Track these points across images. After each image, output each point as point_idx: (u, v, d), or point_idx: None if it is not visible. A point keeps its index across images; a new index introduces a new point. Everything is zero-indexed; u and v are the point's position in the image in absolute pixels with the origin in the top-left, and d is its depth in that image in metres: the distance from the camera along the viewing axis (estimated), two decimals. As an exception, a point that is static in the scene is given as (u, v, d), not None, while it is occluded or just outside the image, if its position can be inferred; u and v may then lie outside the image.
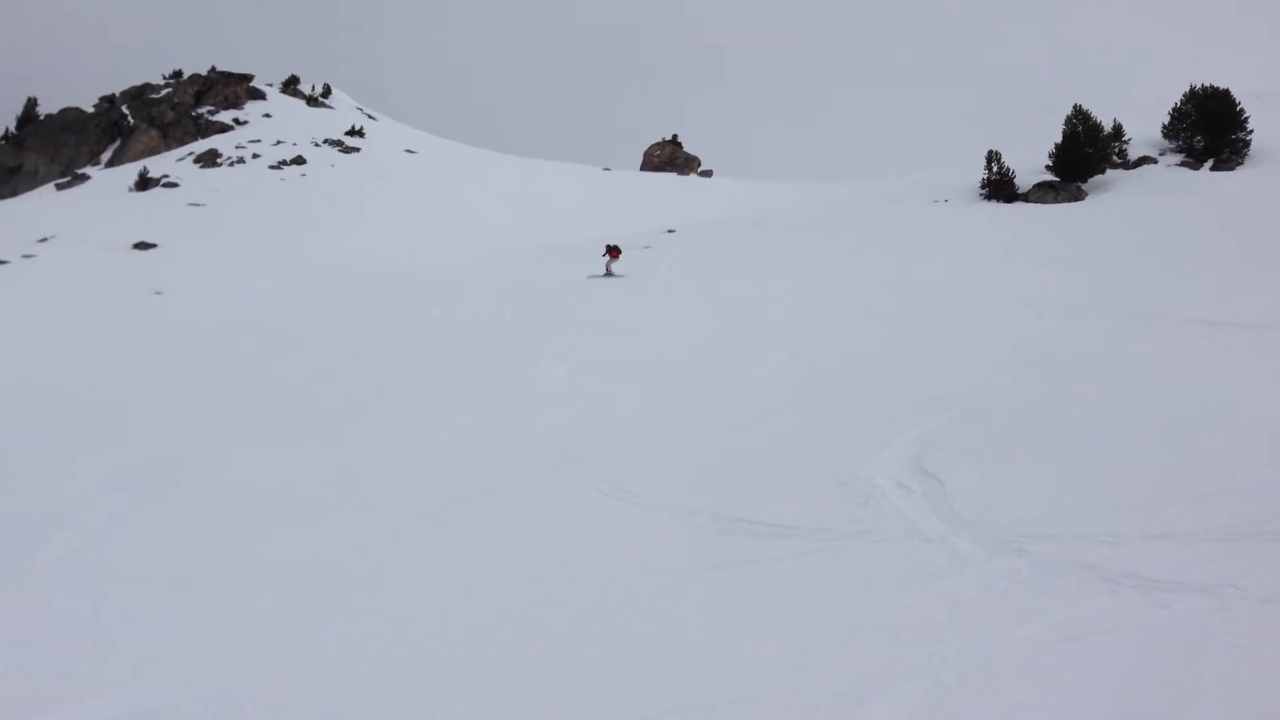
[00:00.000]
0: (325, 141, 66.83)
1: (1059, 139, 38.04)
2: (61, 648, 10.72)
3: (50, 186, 62.25)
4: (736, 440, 15.40)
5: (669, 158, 74.52)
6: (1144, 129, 40.45)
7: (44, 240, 42.64)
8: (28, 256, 40.22)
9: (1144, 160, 38.57)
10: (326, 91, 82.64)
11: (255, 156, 62.20)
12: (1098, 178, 36.96)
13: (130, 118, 71.78)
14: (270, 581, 12.12)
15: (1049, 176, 37.42)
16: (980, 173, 38.38)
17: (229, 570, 12.71)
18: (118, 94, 74.87)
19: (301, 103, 78.86)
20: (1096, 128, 38.24)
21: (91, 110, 72.51)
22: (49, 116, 72.42)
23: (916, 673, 7.57)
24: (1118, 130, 39.59)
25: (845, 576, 10.01)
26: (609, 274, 31.95)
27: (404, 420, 19.43)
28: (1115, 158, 38.86)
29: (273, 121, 71.22)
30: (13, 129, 72.39)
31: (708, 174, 72.91)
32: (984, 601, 8.73)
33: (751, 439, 15.34)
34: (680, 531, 12.14)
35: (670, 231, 39.19)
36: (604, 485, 14.21)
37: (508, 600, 10.77)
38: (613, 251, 32.54)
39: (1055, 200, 35.52)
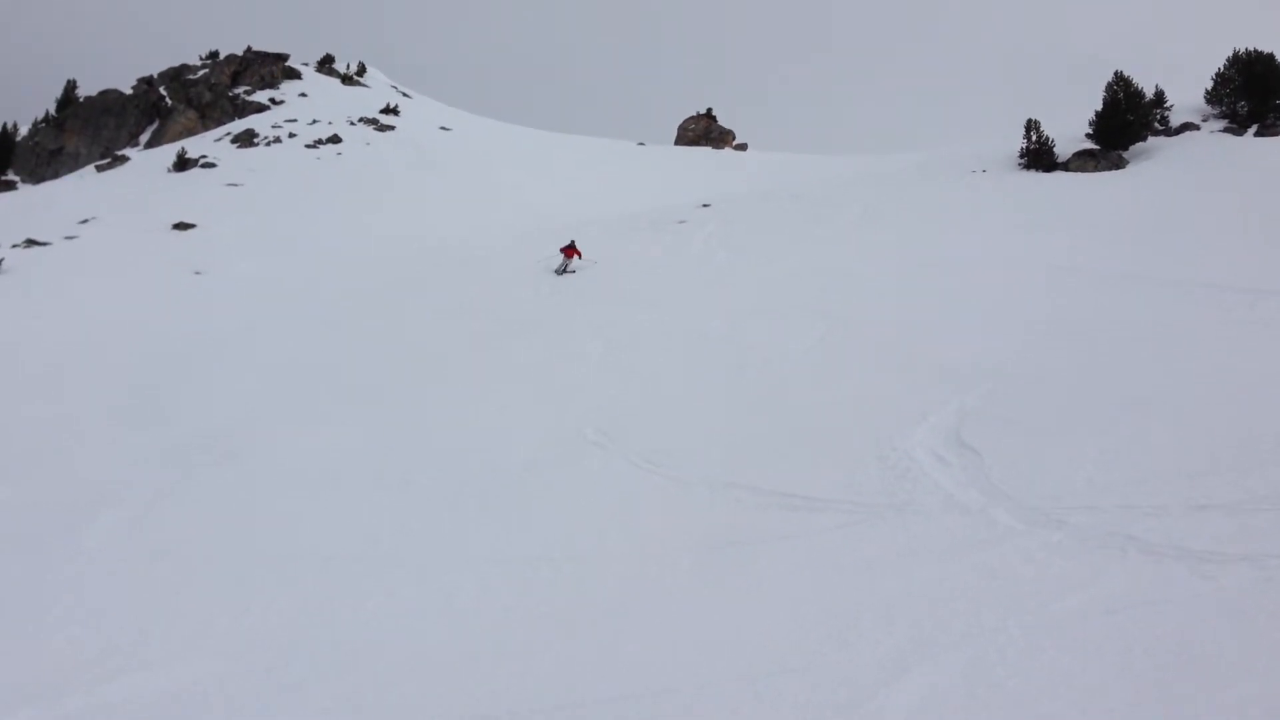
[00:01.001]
0: (360, 120, 67.00)
1: (1099, 107, 37.46)
2: (110, 622, 10.91)
3: (91, 168, 62.84)
4: (773, 414, 15.37)
5: (703, 132, 74.11)
6: (1186, 95, 39.74)
7: (85, 222, 43.09)
8: (70, 238, 40.67)
9: (1186, 127, 37.88)
10: (361, 70, 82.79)
11: (291, 136, 62.47)
12: (1139, 145, 36.34)
13: (168, 99, 72.27)
14: (312, 557, 12.26)
15: (1089, 145, 36.84)
16: (1019, 142, 37.85)
17: (272, 547, 12.86)
18: (155, 75, 75.40)
19: (336, 81, 79.06)
20: (1138, 94, 37.57)
21: (130, 92, 73.06)
22: (88, 99, 73.03)
23: (956, 645, 7.57)
24: (1159, 97, 38.88)
25: (883, 549, 10.00)
26: (566, 270, 30.19)
27: (442, 397, 19.53)
28: (1157, 124, 38.18)
29: (308, 101, 71.46)
30: (53, 112, 73.09)
31: (742, 148, 72.45)
32: (1024, 574, 8.70)
33: (788, 413, 15.30)
34: (718, 506, 12.15)
35: (705, 205, 38.97)
36: (641, 460, 14.25)
37: (547, 574, 10.84)
38: (569, 251, 30.53)
39: (1096, 169, 34.97)
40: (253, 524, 13.84)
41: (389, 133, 65.36)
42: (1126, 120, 36.79)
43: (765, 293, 23.71)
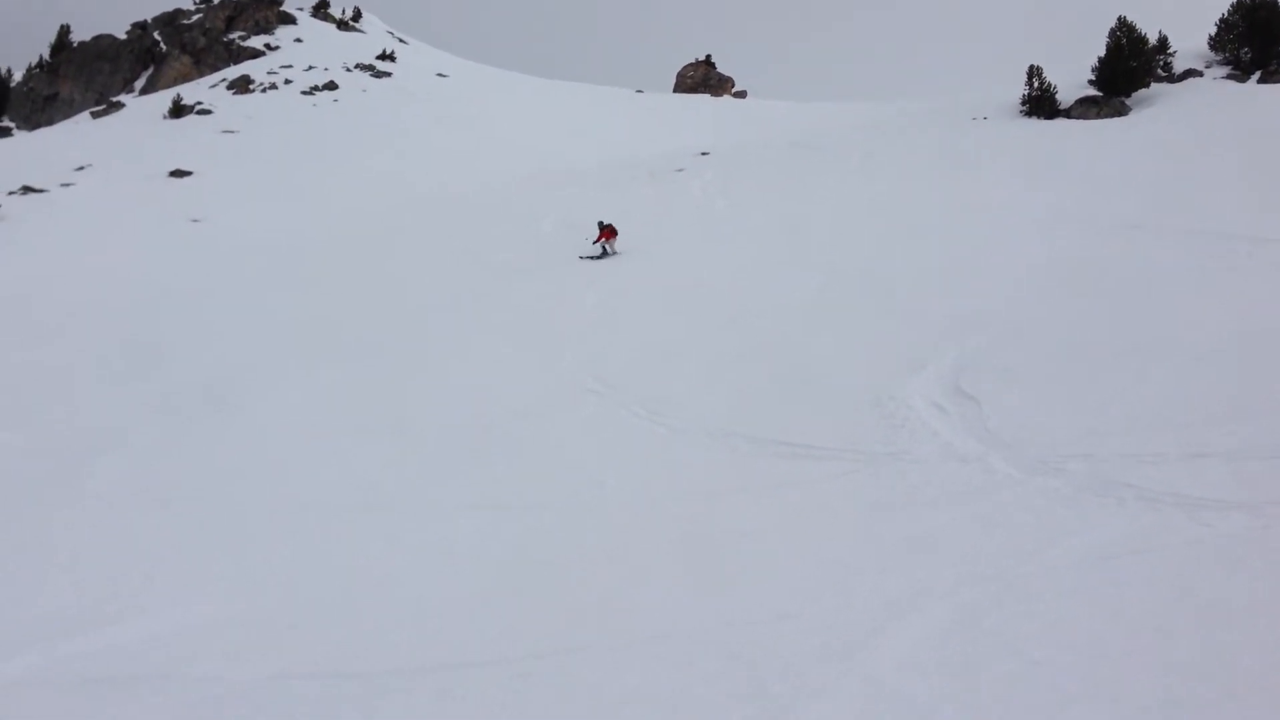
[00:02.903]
0: (357, 66, 66.40)
1: (1102, 53, 37.13)
2: (112, 567, 10.95)
3: (85, 115, 62.34)
4: (772, 364, 15.36)
5: (702, 79, 73.51)
6: (1190, 41, 39.42)
7: (81, 169, 42.85)
8: (66, 185, 40.47)
9: (1190, 73, 37.60)
10: (357, 15, 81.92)
11: (287, 82, 61.95)
12: (1142, 92, 36.05)
13: (162, 44, 71.57)
14: (312, 503, 12.29)
15: (1092, 91, 36.55)
16: (1021, 89, 37.55)
17: (271, 493, 12.90)
18: (149, 20, 74.61)
19: (332, 27, 78.24)
20: (1141, 40, 37.23)
21: (124, 37, 72.35)
22: (82, 44, 72.34)
23: (951, 592, 7.61)
24: (1163, 42, 38.55)
25: (880, 498, 10.04)
26: (605, 254, 25.92)
27: (438, 346, 19.50)
28: (1160, 71, 37.88)
29: (304, 46, 70.77)
30: (47, 57, 72.39)
31: (742, 95, 71.91)
32: (1020, 521, 8.73)
33: (787, 362, 15.29)
34: (716, 454, 12.18)
35: (704, 154, 38.76)
36: (640, 409, 14.26)
37: (548, 520, 10.88)
38: (606, 232, 26.19)
39: (1098, 115, 34.72)
40: (251, 470, 13.87)
41: (385, 79, 64.83)
42: (1129, 67, 36.47)
43: (764, 241, 23.63)
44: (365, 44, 73.45)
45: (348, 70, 65.67)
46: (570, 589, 9.05)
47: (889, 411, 12.37)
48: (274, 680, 8.09)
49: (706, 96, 69.96)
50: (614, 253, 25.96)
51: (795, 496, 10.45)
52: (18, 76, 72.27)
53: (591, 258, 25.78)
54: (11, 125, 66.50)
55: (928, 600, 7.52)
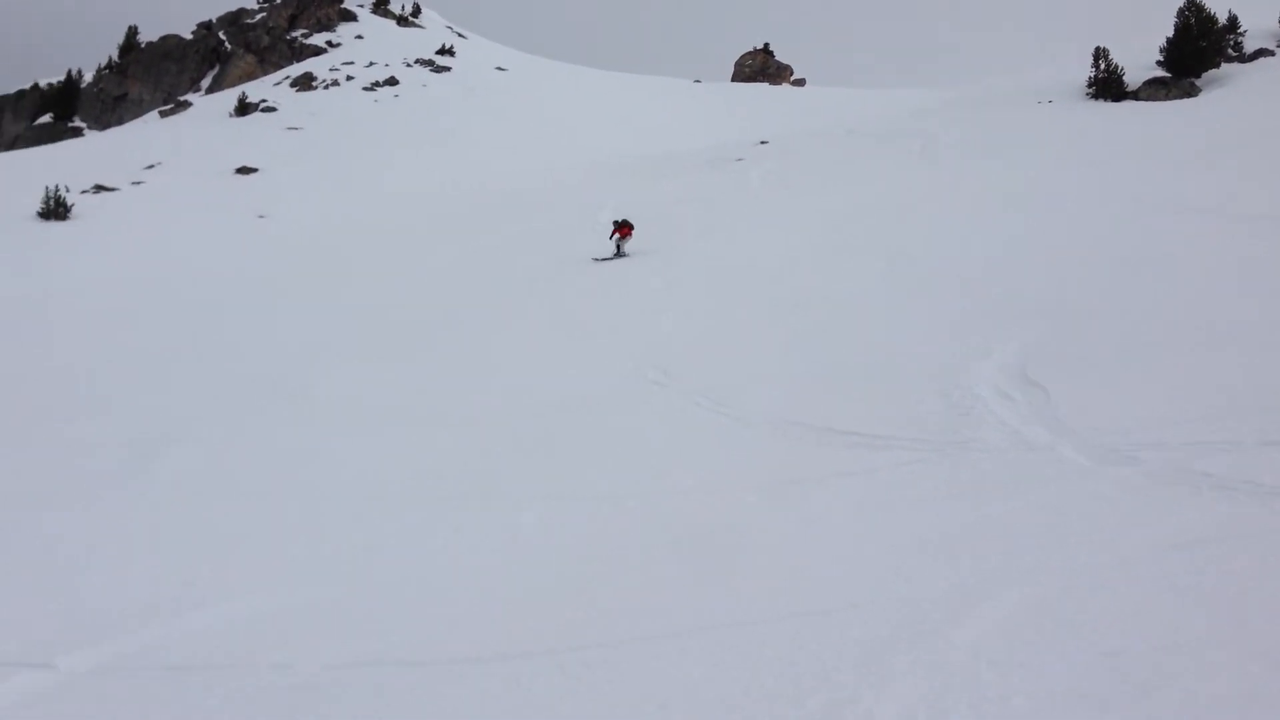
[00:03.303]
0: (416, 61, 66.94)
1: (1170, 33, 36.34)
2: (185, 556, 11.18)
3: (154, 114, 63.57)
4: (834, 351, 15.27)
5: (760, 67, 73.14)
6: (1261, 20, 38.48)
7: (151, 167, 43.72)
8: (136, 183, 41.32)
9: (1261, 53, 36.74)
10: (416, 10, 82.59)
11: (349, 79, 62.65)
12: (1212, 72, 35.30)
13: (227, 43, 72.72)
14: (378, 494, 12.45)
15: (1160, 73, 35.82)
16: (1087, 71, 36.89)
17: (339, 483, 13.08)
18: (214, 20, 75.82)
19: (392, 23, 78.97)
20: (1210, 19, 36.40)
21: (190, 37, 73.62)
22: (149, 44, 73.78)
23: (1020, 581, 7.51)
24: (1233, 22, 37.68)
25: (946, 486, 9.93)
26: (620, 254, 25.59)
27: (500, 336, 19.65)
28: (1230, 50, 37.04)
29: (365, 43, 71.54)
30: (116, 58, 73.85)
31: (800, 83, 71.46)
32: (1091, 510, 8.60)
33: (849, 350, 15.19)
34: (778, 443, 12.13)
35: (763, 143, 38.58)
36: (701, 398, 14.25)
37: (609, 511, 10.91)
38: (623, 229, 25.85)
39: (1167, 97, 34.06)
40: (320, 460, 14.08)
41: (445, 74, 65.29)
42: (1199, 47, 35.73)
43: (825, 229, 23.47)
44: (425, 39, 74.04)
45: (408, 66, 66.26)
46: (635, 580, 9.07)
47: (954, 399, 12.24)
48: (344, 668, 8.22)
49: (765, 85, 69.66)
50: (627, 254, 25.10)
51: (860, 485, 10.38)
52: (88, 78, 73.79)
53: (605, 259, 25.13)
54: (83, 125, 68.01)
55: (997, 589, 7.43)
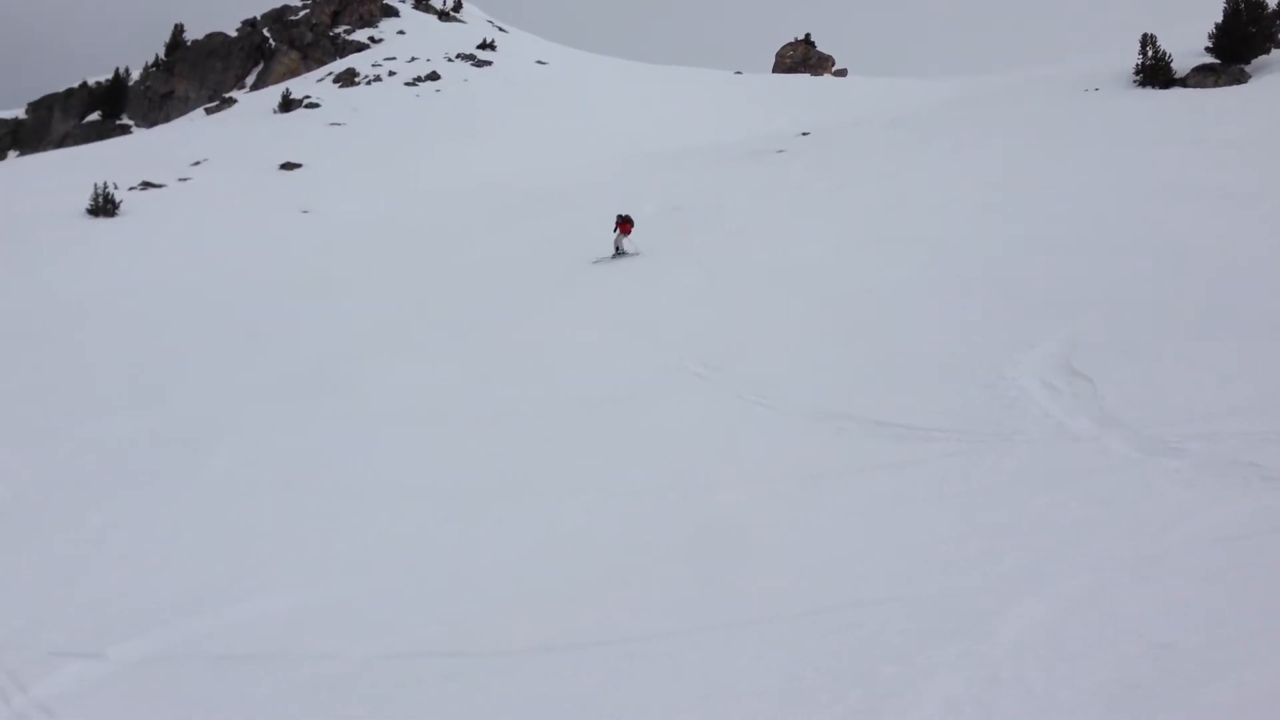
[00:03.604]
0: (458, 56, 67.23)
1: (1219, 19, 35.73)
2: (232, 548, 11.33)
3: (200, 111, 64.35)
4: (876, 343, 15.17)
5: (801, 58, 72.77)
6: (1315, 4, 37.74)
7: (197, 164, 44.25)
8: (183, 180, 41.85)
9: (1314, 38, 36.02)
10: (458, 5, 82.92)
11: (391, 74, 63.05)
12: (1262, 58, 34.66)
13: (271, 40, 73.41)
14: (421, 486, 12.53)
15: (1209, 59, 35.24)
16: (1134, 58, 36.36)
17: (381, 476, 13.18)
18: (258, 17, 76.55)
19: (433, 18, 79.34)
20: (1259, 4, 35.75)
21: (235, 34, 74.39)
22: (195, 42, 74.68)
23: (1065, 574, 7.43)
24: (1284, 7, 37.00)
25: (990, 478, 9.84)
26: (619, 253, 24.92)
27: (540, 329, 19.70)
28: (1281, 36, 36.38)
29: (406, 38, 71.95)
30: (162, 56, 74.78)
31: (842, 73, 71.02)
32: (1138, 502, 8.49)
33: (892, 342, 15.09)
34: (821, 435, 12.07)
35: (804, 134, 38.39)
36: (743, 391, 14.21)
37: (650, 504, 10.91)
38: (623, 225, 25.06)
39: (1216, 84, 33.48)
40: (363, 454, 14.19)
41: (486, 68, 65.50)
42: (1248, 33, 35.09)
43: (867, 221, 23.32)
44: (466, 34, 74.32)
45: (449, 60, 66.55)
46: (677, 572, 9.07)
47: (998, 391, 12.11)
48: (388, 659, 8.29)
49: (806, 76, 69.26)
50: (630, 251, 24.28)
51: (903, 478, 10.31)
52: (135, 76, 74.77)
53: (604, 259, 24.33)
54: (130, 123, 68.97)
55: (1042, 582, 7.36)
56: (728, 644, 7.51)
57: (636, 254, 24.37)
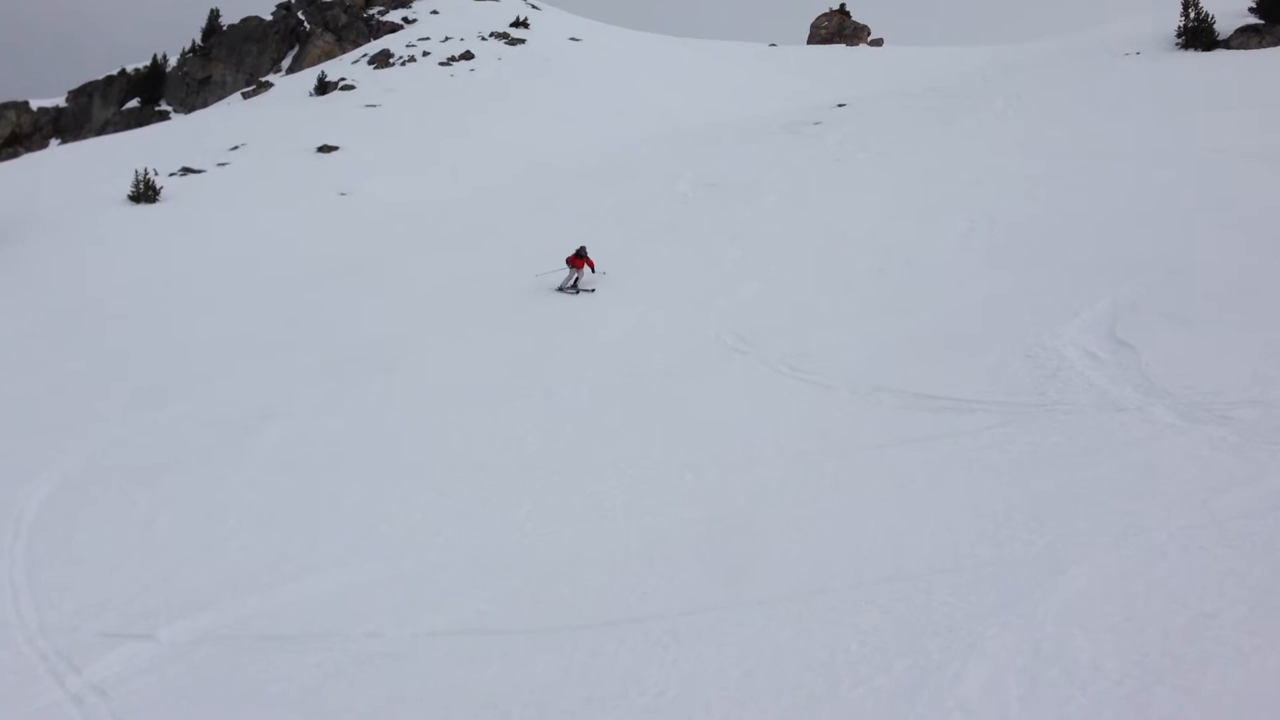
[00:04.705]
0: (491, 35, 67.04)
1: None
2: (279, 530, 11.49)
3: (237, 95, 64.71)
4: (917, 315, 15.07)
5: (837, 28, 71.97)
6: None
7: (235, 148, 44.48)
8: (222, 165, 42.09)
9: (1363, -5, 35.17)
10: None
11: (425, 54, 63.00)
12: (1309, 18, 33.91)
13: (306, 23, 73.62)
14: (464, 466, 12.63)
15: (1253, 20, 34.52)
16: (1175, 20, 35.70)
17: (425, 456, 13.29)
18: (293, 1, 76.77)
19: (467, -3, 79.14)
20: (1307, -39, 34.93)
21: (270, 18, 74.65)
22: (231, 27, 74.96)
23: (1112, 545, 7.39)
24: (1333, -37, 36.13)
25: (1034, 449, 9.78)
26: (574, 288, 21.24)
27: (580, 307, 19.72)
28: (1329, -6, 35.55)
29: (440, 18, 71.82)
30: (199, 41, 75.22)
31: (878, 43, 70.20)
32: (1184, 470, 8.41)
33: (932, 313, 14.99)
34: (862, 409, 12.04)
35: (841, 105, 38.01)
36: (783, 365, 14.18)
37: (692, 480, 10.94)
38: (577, 261, 21.53)
39: (1260, 45, 32.80)
40: (406, 434, 14.31)
41: (520, 46, 65.34)
42: (1295, -9, 34.27)
43: (905, 191, 23.11)
44: (499, 12, 74.09)
45: (483, 39, 66.42)
46: (720, 547, 9.10)
47: (1040, 361, 12.01)
48: (434, 637, 8.40)
49: (842, 46, 68.53)
50: (580, 289, 20.82)
51: (945, 450, 10.26)
52: (173, 62, 75.30)
53: (562, 289, 21.08)
54: (169, 109, 69.52)
55: (1088, 552, 7.32)
56: (771, 618, 7.53)
57: (581, 290, 20.91)
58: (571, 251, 21.86)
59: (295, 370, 18.41)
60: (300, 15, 74.54)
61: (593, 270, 21.45)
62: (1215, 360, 10.78)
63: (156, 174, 38.72)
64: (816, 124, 34.77)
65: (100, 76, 75.42)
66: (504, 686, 7.35)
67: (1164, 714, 5.51)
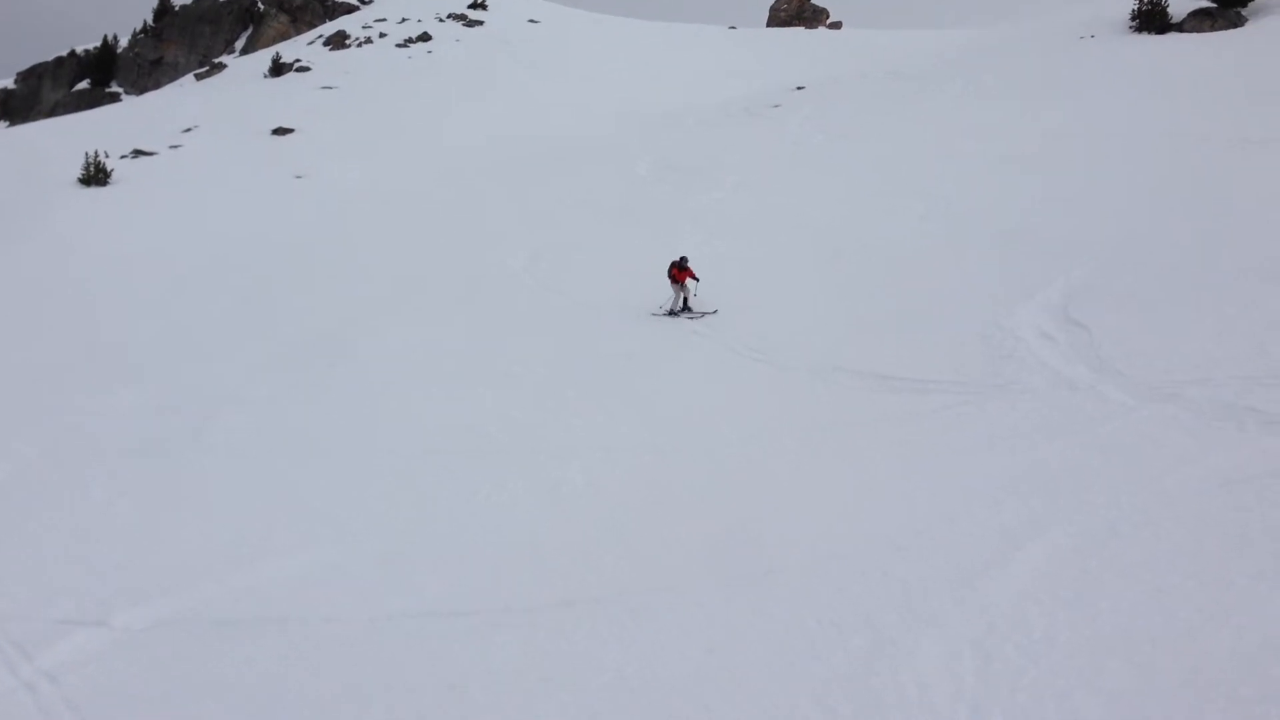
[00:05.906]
0: (449, 16, 66.48)
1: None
2: (237, 516, 11.37)
3: (190, 77, 63.85)
4: (874, 298, 15.16)
5: (796, 11, 72.02)
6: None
7: (188, 130, 43.84)
8: (175, 147, 41.47)
9: (1312, -19, 35.66)
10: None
11: (382, 36, 62.41)
12: (1258, 2, 34.34)
13: (260, 4, 72.68)
14: (425, 450, 12.57)
15: (1205, 3, 34.90)
16: (1129, 3, 36.01)
17: (384, 441, 13.20)
18: (246, -19, 75.75)
19: (424, -22, 78.41)
20: (1258, -52, 35.35)
21: (223, -1, 73.65)
22: (184, 7, 73.93)
23: (1067, 521, 7.49)
24: (1283, -51, 36.59)
25: (989, 429, 9.89)
26: (688, 310, 17.07)
27: (538, 291, 19.65)
28: (1279, -20, 36.01)
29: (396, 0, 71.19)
30: (150, 22, 74.09)
31: (837, 26, 70.35)
32: (1136, 449, 8.53)
33: (889, 296, 15.08)
34: (821, 390, 12.11)
35: (799, 88, 38.08)
36: (743, 348, 14.22)
37: (651, 463, 10.96)
38: (679, 274, 17.22)
39: (1212, 28, 33.13)
40: (364, 420, 14.20)
41: (478, 28, 64.88)
42: (1245, -26, 34.67)
43: (863, 175, 23.22)
44: (457, -7, 73.48)
45: (440, 21, 65.87)
46: (680, 529, 9.13)
47: (996, 342, 12.14)
48: (392, 620, 8.37)
49: (801, 30, 68.63)
50: (695, 310, 16.88)
51: (903, 430, 10.35)
52: (124, 43, 74.12)
53: (666, 313, 17.08)
54: (120, 90, 68.45)
55: (1042, 530, 7.41)
56: (730, 597, 7.58)
57: (714, 311, 16.74)
58: (673, 264, 17.44)
59: (249, 356, 18.21)
60: (255, -5, 73.58)
61: (695, 281, 17.30)
62: (1166, 340, 10.94)
63: (108, 156, 38.08)
64: (776, 106, 34.84)
65: (50, 58, 74.17)
66: (464, 668, 7.35)
67: (1116, 687, 5.60)
